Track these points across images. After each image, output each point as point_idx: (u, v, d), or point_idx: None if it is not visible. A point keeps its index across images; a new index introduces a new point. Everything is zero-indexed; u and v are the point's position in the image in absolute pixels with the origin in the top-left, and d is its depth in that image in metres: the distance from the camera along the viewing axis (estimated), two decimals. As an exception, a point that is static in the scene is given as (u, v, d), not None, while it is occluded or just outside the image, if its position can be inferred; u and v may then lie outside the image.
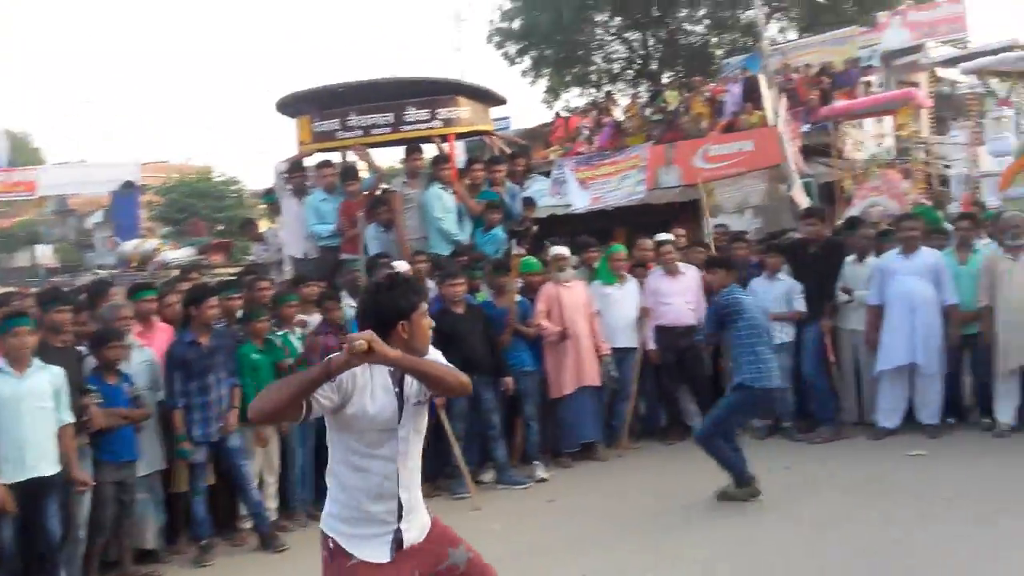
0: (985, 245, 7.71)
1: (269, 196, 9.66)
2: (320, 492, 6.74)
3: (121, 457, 5.56)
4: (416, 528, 3.09)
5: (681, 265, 8.15)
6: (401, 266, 7.72)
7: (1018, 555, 4.73)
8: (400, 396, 3.00)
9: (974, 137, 14.32)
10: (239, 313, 6.65)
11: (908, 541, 5.07)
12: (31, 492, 4.77)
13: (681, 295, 7.99)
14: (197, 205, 29.23)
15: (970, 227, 7.77)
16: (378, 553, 2.99)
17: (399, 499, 3.03)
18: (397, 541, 3.02)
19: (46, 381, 4.90)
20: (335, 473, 3.07)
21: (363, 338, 2.74)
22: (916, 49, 20.51)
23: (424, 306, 3.05)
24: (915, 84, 19.15)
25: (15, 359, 4.78)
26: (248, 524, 6.25)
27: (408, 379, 3.00)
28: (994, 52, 15.10)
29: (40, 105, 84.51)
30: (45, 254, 44.81)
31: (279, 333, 6.68)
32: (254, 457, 6.29)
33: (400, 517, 3.03)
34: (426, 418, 3.14)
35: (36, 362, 4.87)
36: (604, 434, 7.89)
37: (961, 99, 17.49)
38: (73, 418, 5.02)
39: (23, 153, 44.48)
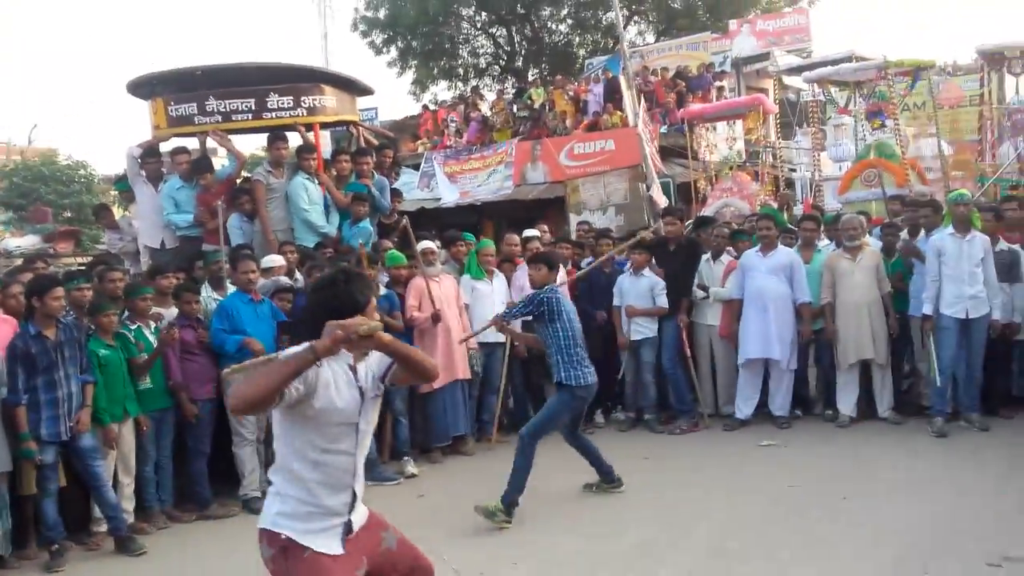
0: (825, 246, 8.25)
1: (121, 183, 9.15)
2: (179, 492, 6.56)
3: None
4: (359, 516, 3.13)
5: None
6: (275, 260, 7.52)
7: (858, 535, 5.09)
8: (360, 390, 3.02)
9: (816, 142, 15.20)
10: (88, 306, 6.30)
11: (762, 527, 5.36)
12: None
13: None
14: (41, 190, 27.32)
15: (814, 228, 8.28)
16: (332, 544, 2.99)
17: (353, 491, 3.07)
18: (347, 530, 3.04)
19: None
20: (288, 469, 3.00)
21: (369, 323, 2.81)
22: (764, 57, 21.65)
23: (374, 301, 3.09)
24: (763, 90, 20.20)
25: None
26: (103, 527, 5.93)
27: (363, 373, 3.04)
28: (834, 62, 16.07)
29: None
30: None
31: (132, 327, 6.36)
32: (107, 457, 5.97)
33: (352, 508, 3.07)
34: (378, 410, 3.20)
35: None
36: (473, 428, 7.96)
37: (805, 106, 18.56)
38: None
39: None
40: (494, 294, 8.06)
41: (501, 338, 7.97)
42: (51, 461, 5.62)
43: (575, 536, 5.43)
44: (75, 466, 5.79)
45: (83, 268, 8.29)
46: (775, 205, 12.79)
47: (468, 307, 7.90)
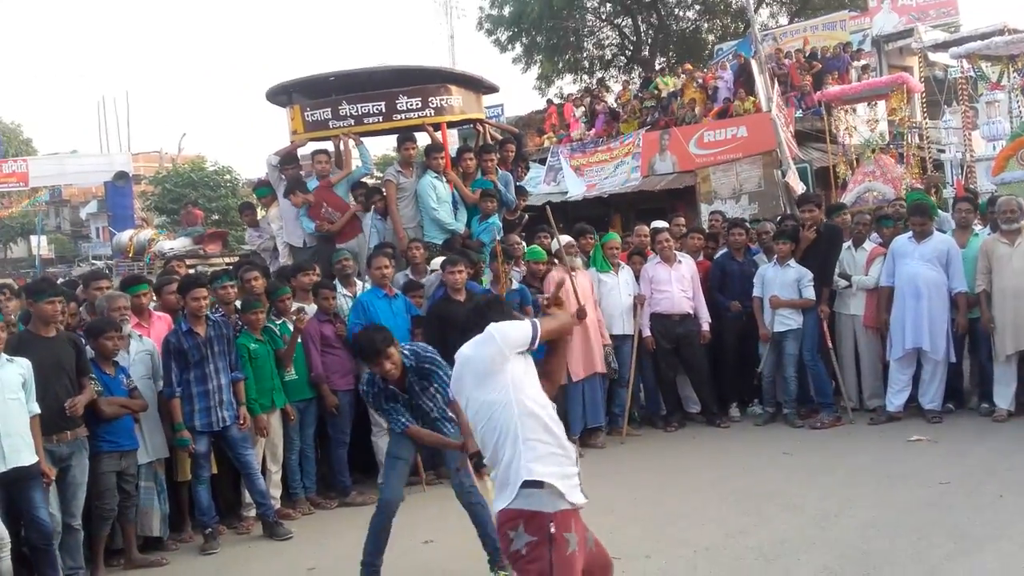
0: (982, 231, 7.73)
1: (261, 190, 9.59)
2: (321, 480, 6.82)
3: (121, 446, 5.54)
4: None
5: (678, 254, 8.16)
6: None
7: (1013, 535, 4.75)
8: None
9: (967, 121, 14.30)
10: (237, 303, 6.63)
11: (910, 526, 5.09)
12: (14, 482, 4.74)
13: (678, 283, 8.01)
14: (191, 195, 29.08)
15: (970, 210, 7.80)
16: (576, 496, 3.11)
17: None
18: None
19: (15, 373, 4.85)
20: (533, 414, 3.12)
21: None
22: (907, 33, 20.53)
23: None
24: (907, 68, 19.17)
25: None
26: (252, 512, 6.25)
27: None
28: (984, 36, 15.10)
29: (30, 96, 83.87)
30: (41, 245, 44.64)
31: (277, 323, 6.67)
32: (256, 446, 6.28)
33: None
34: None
35: (2, 356, 4.84)
36: (605, 421, 7.91)
37: (953, 83, 17.52)
38: (39, 409, 4.96)
39: (13, 144, 44.19)
40: (620, 287, 7.99)
41: (630, 331, 7.91)
42: (204, 450, 5.96)
43: (712, 530, 5.30)
44: (226, 455, 6.12)
45: (227, 268, 8.74)
46: (922, 188, 12.10)
47: (597, 301, 7.85)
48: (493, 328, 3.19)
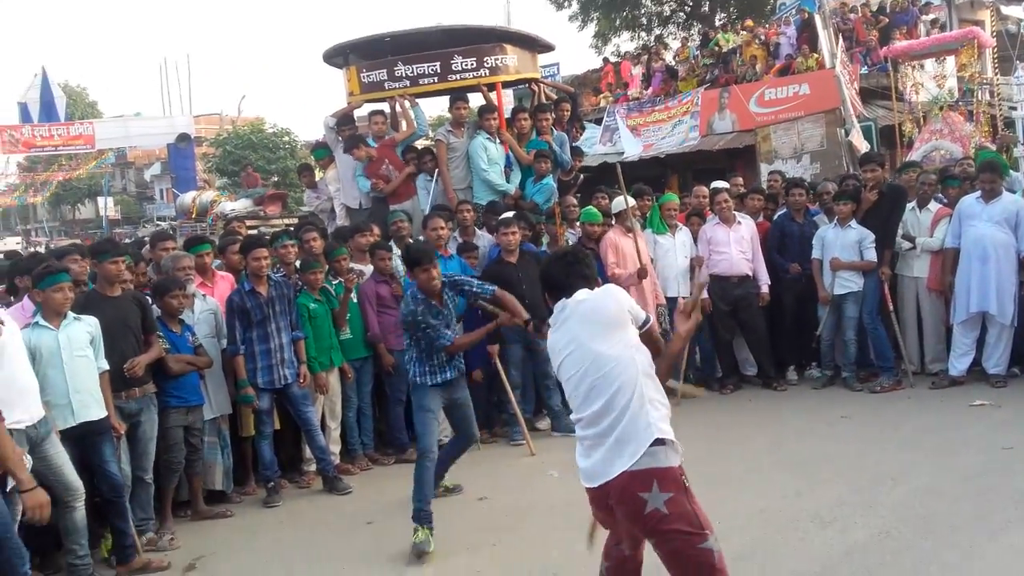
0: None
1: (319, 151, 9.69)
2: (378, 436, 6.97)
3: (188, 402, 5.73)
4: None
5: (737, 215, 8.05)
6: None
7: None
8: None
9: (1041, 77, 13.72)
10: (297, 263, 6.74)
11: (971, 491, 5.01)
12: (85, 437, 4.89)
13: (736, 244, 7.91)
14: (251, 156, 29.54)
15: (1039, 170, 7.53)
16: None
17: None
18: None
19: (83, 331, 4.97)
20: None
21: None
22: (980, -15, 19.68)
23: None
24: (978, 23, 18.41)
25: (54, 313, 4.90)
26: (313, 467, 6.43)
27: None
28: (1063, -14, 14.40)
29: (95, 59, 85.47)
30: (108, 206, 45.79)
31: (334, 282, 6.78)
32: (316, 403, 6.43)
33: None
34: None
35: (70, 315, 4.98)
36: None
37: (1027, 37, 16.80)
38: (108, 365, 5.10)
39: (80, 107, 45.23)
40: (676, 249, 7.94)
41: (685, 293, 7.84)
42: (267, 407, 6.12)
43: (768, 492, 5.29)
44: (288, 412, 6.28)
45: (287, 229, 8.87)
46: (992, 148, 11.70)
47: (653, 262, 7.81)
48: (612, 288, 3.32)
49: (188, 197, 19.19)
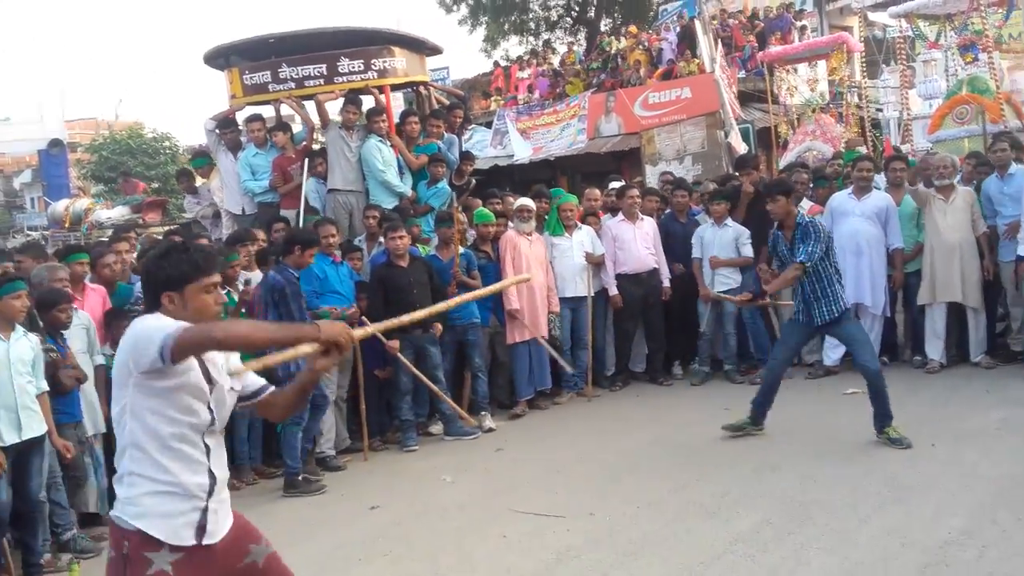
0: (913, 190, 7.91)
1: (198, 160, 9.40)
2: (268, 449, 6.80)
3: (76, 417, 5.44)
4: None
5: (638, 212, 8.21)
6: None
7: (946, 482, 4.94)
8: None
9: (905, 80, 14.52)
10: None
11: (846, 476, 5.25)
12: (23, 453, 4.75)
13: (642, 240, 8.07)
14: (130, 163, 28.34)
15: (903, 168, 7.95)
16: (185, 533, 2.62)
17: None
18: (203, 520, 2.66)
19: (28, 347, 4.84)
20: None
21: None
22: (848, -7, 20.70)
23: (206, 281, 2.72)
24: (847, 28, 19.37)
25: (6, 322, 4.69)
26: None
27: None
28: (922, -4, 15.25)
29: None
30: (-28, 216, 43.10)
31: (223, 292, 6.55)
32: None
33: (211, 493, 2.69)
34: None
35: (19, 328, 4.76)
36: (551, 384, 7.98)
37: (892, 43, 17.75)
38: (48, 386, 4.96)
39: (-61, 112, 42.45)
40: (573, 249, 8.00)
41: (583, 292, 7.93)
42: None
43: (656, 486, 5.38)
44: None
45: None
46: (860, 148, 12.32)
47: (551, 264, 7.88)
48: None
49: (61, 206, 18.25)
